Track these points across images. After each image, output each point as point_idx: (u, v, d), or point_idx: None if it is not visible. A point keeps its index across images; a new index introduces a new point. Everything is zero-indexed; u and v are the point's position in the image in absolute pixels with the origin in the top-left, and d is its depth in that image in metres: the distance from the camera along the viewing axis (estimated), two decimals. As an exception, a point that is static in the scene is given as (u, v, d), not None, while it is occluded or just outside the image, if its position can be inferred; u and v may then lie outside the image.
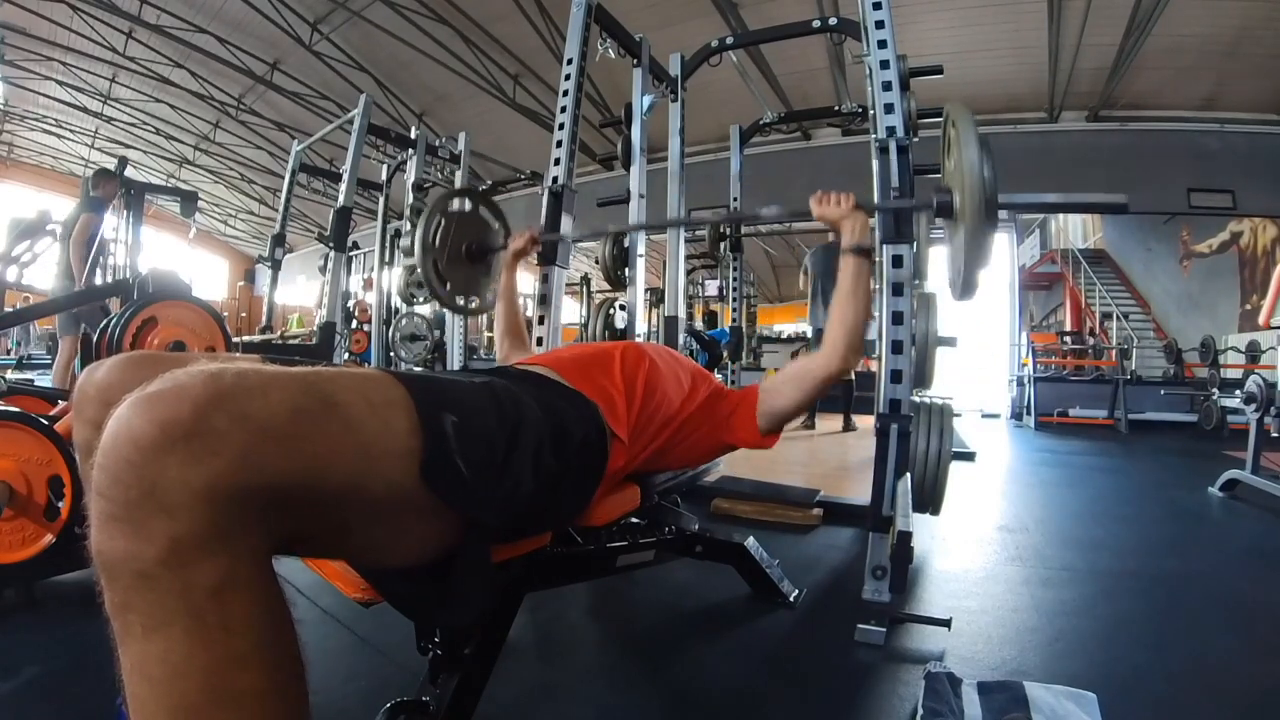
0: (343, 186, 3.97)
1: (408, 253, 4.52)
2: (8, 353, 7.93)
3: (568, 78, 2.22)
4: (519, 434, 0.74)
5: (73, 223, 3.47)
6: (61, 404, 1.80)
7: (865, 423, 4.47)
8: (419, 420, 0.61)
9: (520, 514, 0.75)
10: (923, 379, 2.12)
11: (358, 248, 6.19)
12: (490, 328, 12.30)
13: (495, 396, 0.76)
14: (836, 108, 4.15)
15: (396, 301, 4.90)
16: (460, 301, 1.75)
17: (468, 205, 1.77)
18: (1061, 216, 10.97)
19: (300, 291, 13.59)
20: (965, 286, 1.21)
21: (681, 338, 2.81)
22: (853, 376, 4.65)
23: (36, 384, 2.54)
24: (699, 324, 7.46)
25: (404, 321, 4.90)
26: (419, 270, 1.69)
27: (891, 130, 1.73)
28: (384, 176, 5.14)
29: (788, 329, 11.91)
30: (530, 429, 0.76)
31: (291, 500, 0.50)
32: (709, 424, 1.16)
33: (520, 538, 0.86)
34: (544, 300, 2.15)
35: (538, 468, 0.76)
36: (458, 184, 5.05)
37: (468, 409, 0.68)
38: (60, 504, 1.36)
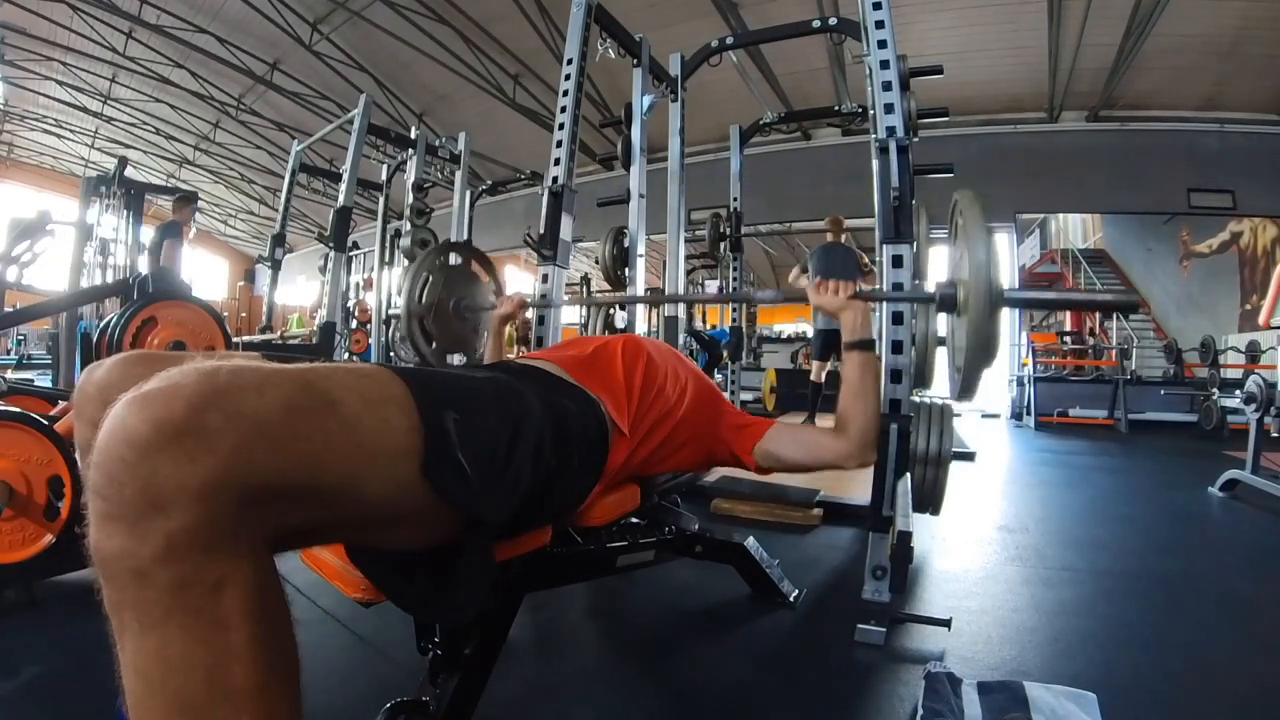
0: (343, 186, 3.97)
1: (408, 253, 4.52)
2: (8, 352, 7.92)
3: (568, 78, 2.22)
4: (520, 429, 0.74)
5: (155, 246, 4.09)
6: (62, 404, 1.80)
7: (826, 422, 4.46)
8: (419, 418, 0.60)
9: (521, 508, 0.75)
10: (923, 379, 2.12)
11: (358, 248, 6.19)
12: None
13: (497, 392, 0.76)
14: (836, 108, 4.15)
15: (396, 301, 4.89)
16: (448, 360, 1.72)
17: (457, 260, 1.73)
18: (1061, 216, 10.96)
19: (300, 291, 13.58)
20: (965, 387, 1.14)
21: (681, 338, 2.81)
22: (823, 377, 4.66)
23: (36, 384, 2.54)
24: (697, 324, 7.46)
25: (399, 336, 4.89)
26: (403, 329, 1.65)
27: (892, 130, 1.73)
28: (384, 176, 5.14)
29: (788, 329, 11.91)
30: (532, 424, 0.76)
31: (288, 497, 0.50)
32: (712, 429, 1.16)
33: (520, 532, 0.86)
34: (544, 300, 2.15)
35: (538, 463, 0.76)
36: (457, 184, 5.05)
37: (469, 405, 0.68)
38: (60, 504, 1.36)
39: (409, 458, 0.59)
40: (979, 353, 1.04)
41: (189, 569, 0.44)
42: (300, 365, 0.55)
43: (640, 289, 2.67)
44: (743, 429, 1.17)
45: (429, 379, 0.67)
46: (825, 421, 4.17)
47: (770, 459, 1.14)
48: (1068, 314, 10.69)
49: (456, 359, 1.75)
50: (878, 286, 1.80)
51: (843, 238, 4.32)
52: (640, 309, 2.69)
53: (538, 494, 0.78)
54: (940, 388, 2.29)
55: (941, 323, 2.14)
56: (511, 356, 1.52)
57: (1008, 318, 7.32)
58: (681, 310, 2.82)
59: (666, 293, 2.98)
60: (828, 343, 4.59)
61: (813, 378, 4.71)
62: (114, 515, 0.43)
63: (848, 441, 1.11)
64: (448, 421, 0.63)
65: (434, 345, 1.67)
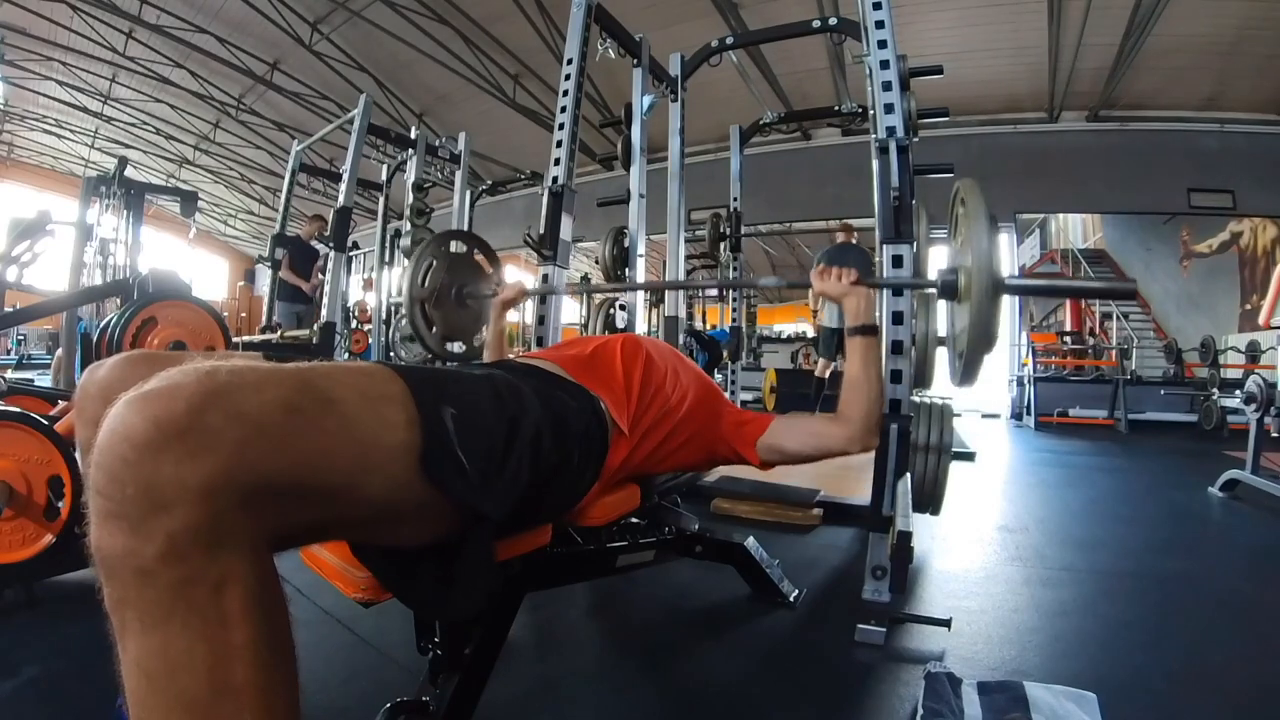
0: (343, 186, 3.96)
1: (407, 252, 4.51)
2: (8, 352, 7.93)
3: (568, 78, 2.22)
4: (519, 425, 0.74)
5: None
6: (62, 404, 1.80)
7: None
8: (417, 413, 0.61)
9: (520, 505, 0.75)
10: (923, 379, 2.12)
11: (358, 248, 6.18)
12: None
13: (495, 388, 0.76)
14: (836, 108, 4.14)
15: (396, 301, 4.89)
16: (448, 347, 1.73)
17: (460, 248, 1.75)
18: (1061, 216, 10.97)
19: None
20: (966, 372, 1.15)
21: (681, 338, 2.81)
22: (828, 375, 4.68)
23: (36, 384, 2.54)
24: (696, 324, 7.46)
25: (404, 321, 4.90)
26: (405, 313, 1.67)
27: (891, 130, 1.73)
28: (384, 176, 5.13)
29: (788, 329, 11.92)
30: (530, 420, 0.77)
31: (289, 496, 0.50)
32: (711, 428, 1.16)
33: (520, 530, 0.86)
34: (544, 300, 2.15)
35: (537, 459, 0.76)
36: (458, 184, 5.04)
37: (467, 401, 0.68)
38: (60, 504, 1.36)
39: (408, 453, 0.59)
40: (980, 339, 1.07)
41: (191, 568, 0.44)
42: (299, 364, 0.55)
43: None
44: (744, 425, 1.17)
45: (427, 376, 0.68)
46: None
47: (774, 452, 1.14)
48: (1068, 314, 10.70)
49: (456, 346, 1.77)
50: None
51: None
52: (640, 309, 2.68)
53: (537, 490, 0.78)
54: (940, 387, 2.30)
55: (941, 316, 2.15)
56: (513, 355, 1.52)
57: (1007, 312, 7.32)
58: (682, 310, 2.82)
59: (666, 293, 2.98)
60: (835, 341, 4.59)
61: (818, 374, 4.73)
62: (116, 514, 0.43)
63: (851, 425, 1.12)
64: (446, 417, 0.63)
65: (434, 330, 1.68)
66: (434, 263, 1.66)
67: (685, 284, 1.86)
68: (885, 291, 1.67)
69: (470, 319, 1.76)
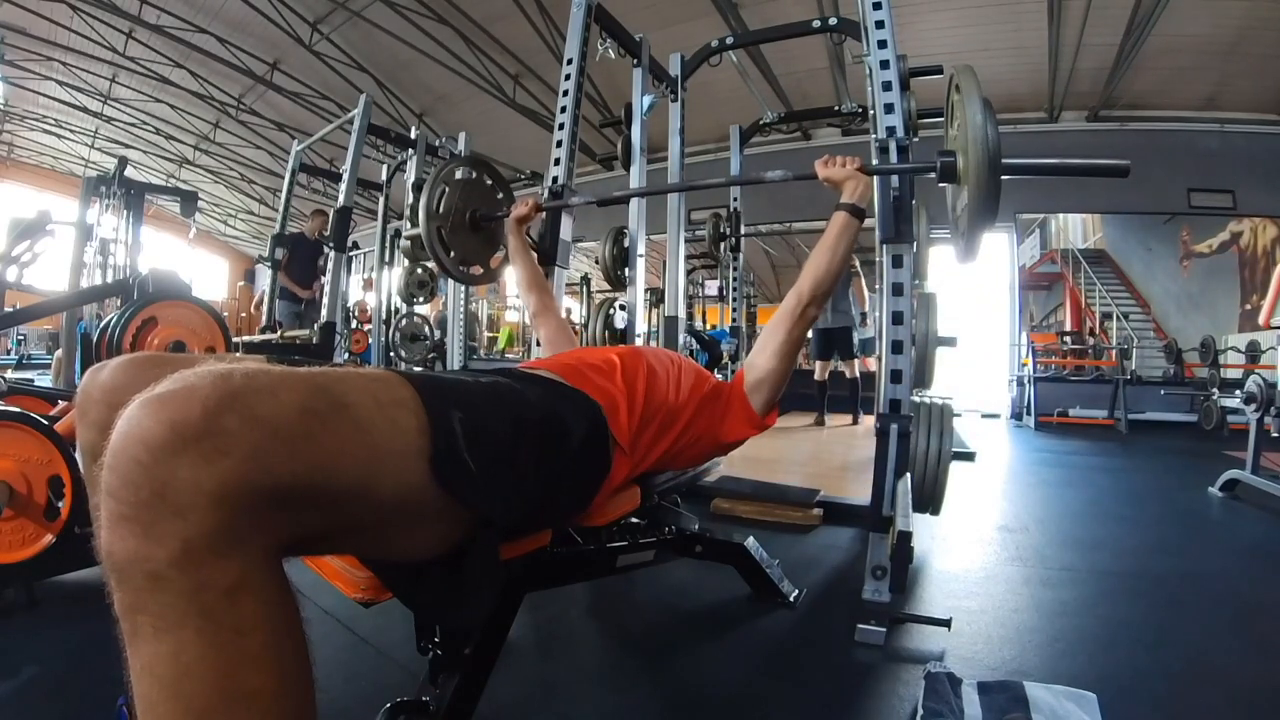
0: (343, 186, 3.96)
1: (408, 253, 4.52)
2: (8, 352, 7.93)
3: (568, 78, 2.22)
4: (524, 431, 0.75)
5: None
6: (62, 404, 1.80)
7: (867, 422, 4.49)
8: (428, 419, 0.61)
9: (525, 510, 0.75)
10: (923, 379, 2.12)
11: (358, 247, 6.17)
12: (490, 328, 12.36)
13: (500, 395, 0.77)
14: (836, 108, 4.14)
15: (396, 301, 4.89)
16: (463, 269, 1.79)
17: (472, 174, 1.80)
18: (1061, 216, 10.94)
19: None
20: (968, 249, 1.23)
21: (681, 338, 2.81)
22: (858, 375, 4.67)
23: (36, 384, 2.54)
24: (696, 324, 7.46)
25: (404, 321, 4.90)
26: (422, 236, 1.71)
27: (891, 130, 1.73)
28: (384, 176, 5.13)
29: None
30: (535, 426, 0.77)
31: (302, 500, 0.50)
32: (707, 424, 1.17)
33: (522, 534, 0.87)
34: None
35: (541, 465, 0.76)
36: (458, 184, 5.04)
37: (474, 407, 0.69)
38: (60, 504, 1.36)
39: (418, 458, 0.59)
40: (980, 217, 1.11)
41: (205, 573, 0.44)
42: (312, 368, 0.55)
43: (640, 289, 2.66)
44: (730, 402, 1.18)
45: (436, 382, 0.68)
46: (836, 420, 4.15)
47: (762, 386, 1.17)
48: (1068, 314, 10.70)
49: (472, 270, 1.87)
50: (877, 286, 1.80)
51: None
52: (640, 309, 2.68)
53: (542, 496, 0.78)
54: (940, 388, 2.30)
55: (941, 322, 2.14)
56: (514, 358, 1.52)
57: (1007, 311, 7.31)
58: (682, 310, 2.82)
59: (666, 293, 2.98)
60: (828, 341, 4.61)
61: (816, 377, 4.73)
62: (129, 518, 0.43)
63: (802, 287, 1.20)
64: (454, 422, 0.63)
65: (452, 254, 1.74)
66: (446, 189, 1.70)
67: (685, 186, 1.87)
68: (885, 291, 1.66)
69: (484, 243, 1.82)
